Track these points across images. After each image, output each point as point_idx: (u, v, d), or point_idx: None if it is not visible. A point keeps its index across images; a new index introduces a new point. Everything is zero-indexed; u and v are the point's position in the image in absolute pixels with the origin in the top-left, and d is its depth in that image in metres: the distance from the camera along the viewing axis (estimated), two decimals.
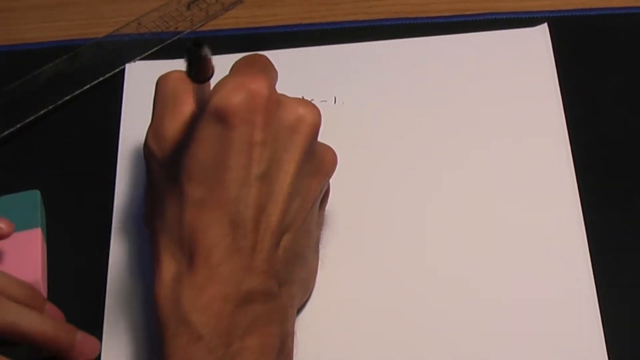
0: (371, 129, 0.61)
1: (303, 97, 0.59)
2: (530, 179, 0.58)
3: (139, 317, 0.55)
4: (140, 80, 0.64)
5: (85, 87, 0.64)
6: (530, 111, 0.61)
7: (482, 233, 0.56)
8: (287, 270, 0.50)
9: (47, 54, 0.66)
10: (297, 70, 0.63)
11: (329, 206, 0.55)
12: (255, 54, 0.51)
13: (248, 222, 0.47)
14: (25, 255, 0.56)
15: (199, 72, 0.44)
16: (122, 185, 0.60)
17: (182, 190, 0.48)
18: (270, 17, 0.67)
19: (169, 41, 0.66)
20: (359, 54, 0.64)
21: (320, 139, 0.50)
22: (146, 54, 0.66)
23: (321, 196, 0.52)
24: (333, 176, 0.52)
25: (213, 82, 0.47)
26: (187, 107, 0.50)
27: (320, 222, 0.55)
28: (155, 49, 0.66)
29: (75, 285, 0.57)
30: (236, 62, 0.50)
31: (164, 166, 0.50)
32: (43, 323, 0.52)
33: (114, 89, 0.64)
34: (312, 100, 0.62)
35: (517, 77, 0.62)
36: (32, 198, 0.58)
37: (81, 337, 0.53)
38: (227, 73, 0.49)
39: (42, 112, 0.63)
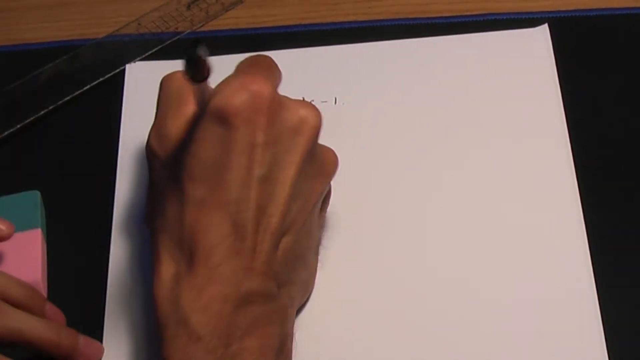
0: (371, 130, 0.61)
1: (303, 98, 0.59)
2: (531, 179, 0.58)
3: (139, 317, 0.55)
4: (141, 80, 0.64)
5: (85, 88, 0.64)
6: (531, 111, 0.61)
7: (483, 233, 0.56)
8: (287, 271, 0.50)
9: (47, 54, 0.66)
10: (297, 71, 0.63)
11: (329, 207, 0.55)
12: (260, 55, 0.51)
13: (248, 223, 0.47)
14: (25, 255, 0.56)
15: (195, 71, 0.45)
16: (122, 185, 0.60)
17: (183, 190, 0.48)
18: (270, 17, 0.67)
19: (169, 41, 0.66)
20: (359, 54, 0.64)
21: (320, 139, 0.50)
22: (146, 54, 0.66)
23: (322, 198, 0.52)
24: (333, 177, 0.52)
25: (217, 82, 0.47)
26: (190, 107, 0.50)
27: (321, 224, 0.55)
28: (156, 49, 0.66)
29: (75, 285, 0.57)
30: (241, 62, 0.50)
31: (166, 166, 0.50)
32: (45, 328, 0.52)
33: (114, 89, 0.64)
34: (313, 100, 0.62)
35: (517, 78, 0.62)
36: (32, 198, 0.58)
37: (83, 341, 0.53)
38: (227, 73, 0.49)
39: (42, 112, 0.63)
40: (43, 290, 0.56)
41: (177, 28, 0.67)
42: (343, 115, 0.62)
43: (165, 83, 0.53)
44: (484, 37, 0.64)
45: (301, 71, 0.63)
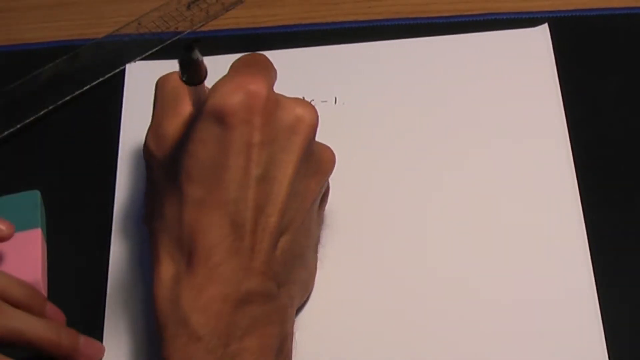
0: (371, 129, 0.61)
1: (303, 98, 0.59)
2: (531, 179, 0.58)
3: (139, 317, 0.55)
4: (141, 80, 0.64)
5: (85, 87, 0.64)
6: (531, 111, 0.60)
7: (483, 233, 0.56)
8: (287, 270, 0.50)
9: (47, 54, 0.66)
10: (297, 71, 0.63)
11: (328, 206, 0.55)
12: (254, 54, 0.51)
13: (247, 222, 0.47)
14: (25, 255, 0.56)
15: (191, 75, 0.45)
16: (122, 185, 0.60)
17: (182, 190, 0.48)
18: (270, 17, 0.67)
19: (169, 41, 0.66)
20: (359, 54, 0.64)
21: (320, 139, 0.50)
22: (146, 54, 0.66)
23: (320, 196, 0.52)
24: (333, 176, 0.52)
25: (213, 81, 0.47)
26: (187, 107, 0.50)
27: (319, 222, 0.55)
28: (156, 49, 0.66)
29: (75, 285, 0.57)
30: (235, 62, 0.50)
31: (164, 166, 0.50)
32: (46, 328, 0.52)
33: (114, 89, 0.64)
34: (312, 100, 0.62)
35: (517, 78, 0.62)
36: (32, 198, 0.58)
37: (84, 342, 0.53)
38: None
39: (42, 112, 0.63)
40: (43, 290, 0.56)
41: (177, 28, 0.67)
42: (343, 115, 0.62)
43: (161, 84, 0.53)
44: (484, 37, 0.64)
45: (301, 71, 0.63)
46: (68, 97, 0.64)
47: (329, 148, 0.52)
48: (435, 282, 0.55)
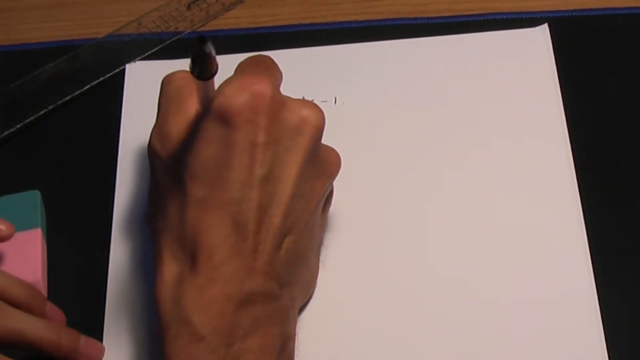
0: (372, 129, 0.61)
1: (303, 98, 0.59)
2: (531, 179, 0.58)
3: (139, 317, 0.55)
4: (141, 80, 0.64)
5: (85, 87, 0.64)
6: (531, 111, 0.61)
7: (483, 233, 0.56)
8: (289, 271, 0.50)
9: (47, 54, 0.66)
10: (297, 71, 0.63)
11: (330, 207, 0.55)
12: (260, 55, 0.51)
13: (250, 223, 0.47)
14: (26, 255, 0.56)
15: (202, 69, 0.44)
16: (122, 185, 0.60)
17: (185, 190, 0.48)
18: (270, 17, 0.67)
19: (169, 41, 0.66)
20: (359, 54, 0.64)
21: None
22: (146, 54, 0.66)
23: (324, 198, 0.52)
24: (336, 177, 0.52)
25: (217, 82, 0.47)
26: (192, 107, 0.50)
27: (323, 224, 0.55)
28: (156, 49, 0.66)
29: (76, 285, 0.57)
30: (241, 63, 0.50)
31: (168, 166, 0.50)
32: (46, 329, 0.52)
33: (114, 89, 0.64)
34: (312, 100, 0.61)
35: (517, 78, 0.62)
36: (32, 198, 0.58)
37: (84, 342, 0.53)
38: (227, 73, 0.49)
39: (42, 112, 0.63)
40: (43, 290, 0.56)
41: (177, 28, 0.67)
42: (343, 115, 0.62)
43: (166, 83, 0.53)
44: (484, 37, 0.64)
45: (301, 71, 0.63)
46: (68, 97, 0.64)
47: (334, 150, 0.52)
48: (437, 283, 0.55)
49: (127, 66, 0.65)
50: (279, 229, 0.48)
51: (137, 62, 0.65)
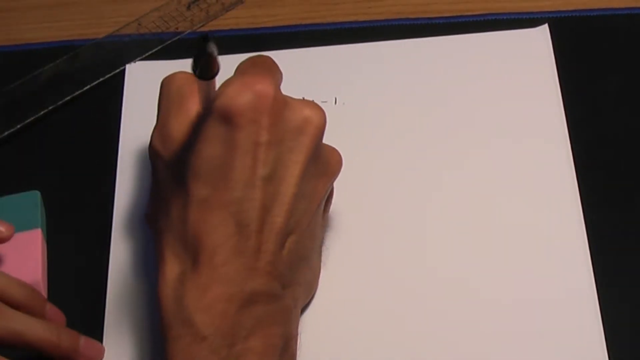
0: (372, 130, 0.61)
1: (304, 98, 0.59)
2: (531, 179, 0.58)
3: (139, 317, 0.55)
4: (141, 80, 0.64)
5: (85, 88, 0.64)
6: (531, 111, 0.61)
7: (483, 233, 0.57)
8: (292, 271, 0.50)
9: (47, 54, 0.66)
10: (297, 71, 0.63)
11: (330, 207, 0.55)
12: (260, 55, 0.51)
13: (253, 222, 0.47)
14: (26, 255, 0.56)
15: (204, 68, 0.44)
16: (122, 185, 0.60)
17: (187, 190, 0.48)
18: (271, 18, 0.67)
19: (169, 41, 0.66)
20: (359, 54, 0.64)
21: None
22: (146, 54, 0.66)
23: (326, 198, 0.52)
24: (337, 177, 0.52)
25: (217, 82, 0.47)
26: (193, 107, 0.50)
27: (324, 224, 0.55)
28: (156, 49, 0.66)
29: (76, 286, 0.57)
30: (242, 63, 0.50)
31: (170, 166, 0.50)
32: (46, 330, 0.52)
33: (114, 89, 0.64)
34: (313, 100, 0.61)
35: (517, 78, 0.62)
36: (32, 198, 0.58)
37: (84, 342, 0.53)
38: (227, 73, 0.49)
39: (42, 112, 0.63)
40: (43, 290, 0.56)
41: (177, 28, 0.67)
42: (343, 115, 0.62)
43: (166, 84, 0.53)
44: (484, 37, 0.64)
45: (301, 71, 0.63)
46: (68, 97, 0.64)
47: (336, 150, 0.52)
48: (437, 283, 0.55)
49: (127, 66, 0.65)
50: (282, 229, 0.48)
51: (137, 63, 0.65)
